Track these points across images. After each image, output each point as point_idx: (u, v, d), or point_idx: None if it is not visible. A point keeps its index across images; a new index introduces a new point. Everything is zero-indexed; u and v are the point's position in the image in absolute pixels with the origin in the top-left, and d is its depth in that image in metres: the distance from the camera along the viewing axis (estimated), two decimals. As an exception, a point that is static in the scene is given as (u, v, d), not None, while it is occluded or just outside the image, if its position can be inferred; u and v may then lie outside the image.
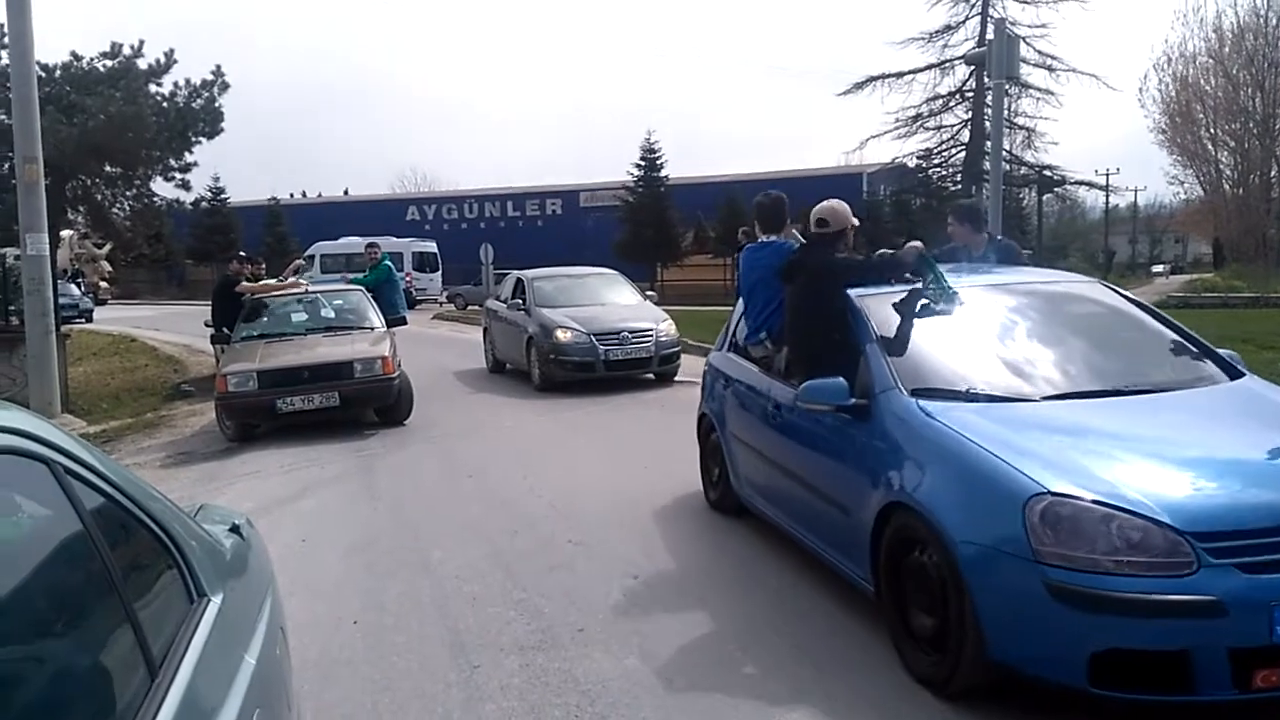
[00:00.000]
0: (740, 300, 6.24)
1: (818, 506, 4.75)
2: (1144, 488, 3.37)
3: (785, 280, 5.27)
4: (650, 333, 12.52)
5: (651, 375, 12.78)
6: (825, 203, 5.33)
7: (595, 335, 12.25)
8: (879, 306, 4.79)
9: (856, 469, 4.34)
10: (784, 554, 5.47)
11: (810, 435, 4.87)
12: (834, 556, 4.64)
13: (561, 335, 12.34)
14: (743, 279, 5.86)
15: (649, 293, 14.78)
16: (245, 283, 11.99)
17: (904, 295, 4.85)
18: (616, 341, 12.29)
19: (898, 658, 3.99)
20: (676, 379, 12.91)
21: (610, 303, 13.71)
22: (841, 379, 4.42)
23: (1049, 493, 3.36)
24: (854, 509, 4.27)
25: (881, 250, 5.42)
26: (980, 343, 4.75)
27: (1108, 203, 64.49)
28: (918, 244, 5.05)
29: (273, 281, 12.22)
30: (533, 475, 7.80)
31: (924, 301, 4.78)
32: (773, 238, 5.76)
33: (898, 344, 4.58)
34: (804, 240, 5.45)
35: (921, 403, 4.13)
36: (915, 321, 4.68)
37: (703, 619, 4.67)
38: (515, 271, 15.29)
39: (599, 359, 12.21)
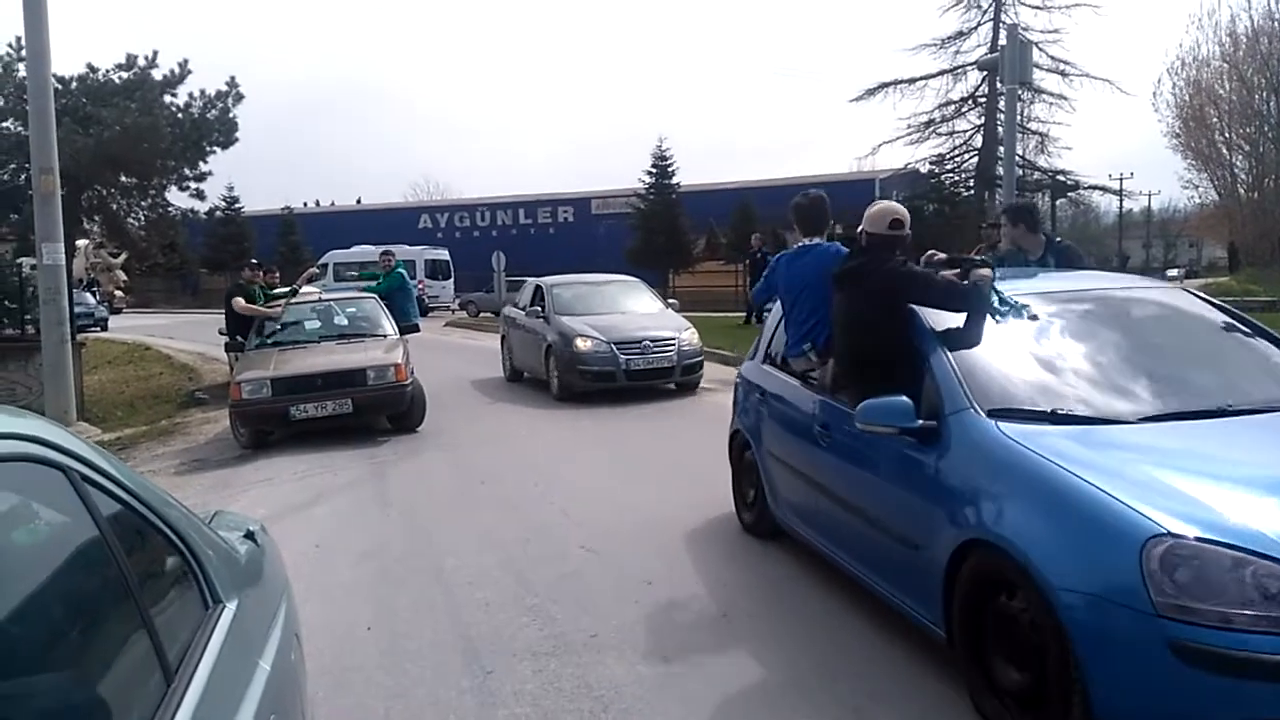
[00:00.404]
0: (779, 309, 5.74)
1: (874, 538, 4.30)
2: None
3: (841, 287, 4.68)
4: (672, 342, 12.14)
5: (673, 385, 12.41)
6: (889, 203, 4.84)
7: (616, 344, 11.92)
8: (941, 313, 4.31)
9: (925, 499, 3.85)
10: (822, 576, 5.46)
11: (866, 459, 4.40)
12: (893, 593, 4.21)
13: (581, 344, 12.00)
14: (782, 286, 5.35)
15: (670, 300, 14.32)
16: (242, 301, 11.89)
17: None
18: (638, 351, 11.95)
19: (968, 705, 3.60)
20: (699, 389, 12.53)
21: (631, 311, 13.34)
22: (905, 398, 3.93)
23: (1168, 534, 2.90)
24: (922, 544, 3.81)
25: (931, 253, 4.90)
26: (1060, 356, 4.20)
27: (1122, 207, 64.27)
28: (985, 273, 4.40)
29: (260, 308, 11.92)
30: (548, 486, 7.76)
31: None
32: (815, 241, 5.26)
33: (968, 357, 4.09)
34: (855, 243, 4.85)
35: (1002, 425, 3.66)
36: (985, 332, 4.19)
37: (721, 628, 4.67)
38: (534, 279, 14.99)
39: (620, 368, 11.85)
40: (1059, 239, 6.17)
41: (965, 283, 4.37)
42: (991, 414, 3.74)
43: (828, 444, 4.75)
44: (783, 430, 5.49)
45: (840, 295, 4.69)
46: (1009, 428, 3.64)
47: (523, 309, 14.14)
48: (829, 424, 4.75)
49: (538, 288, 14.11)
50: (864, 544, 4.47)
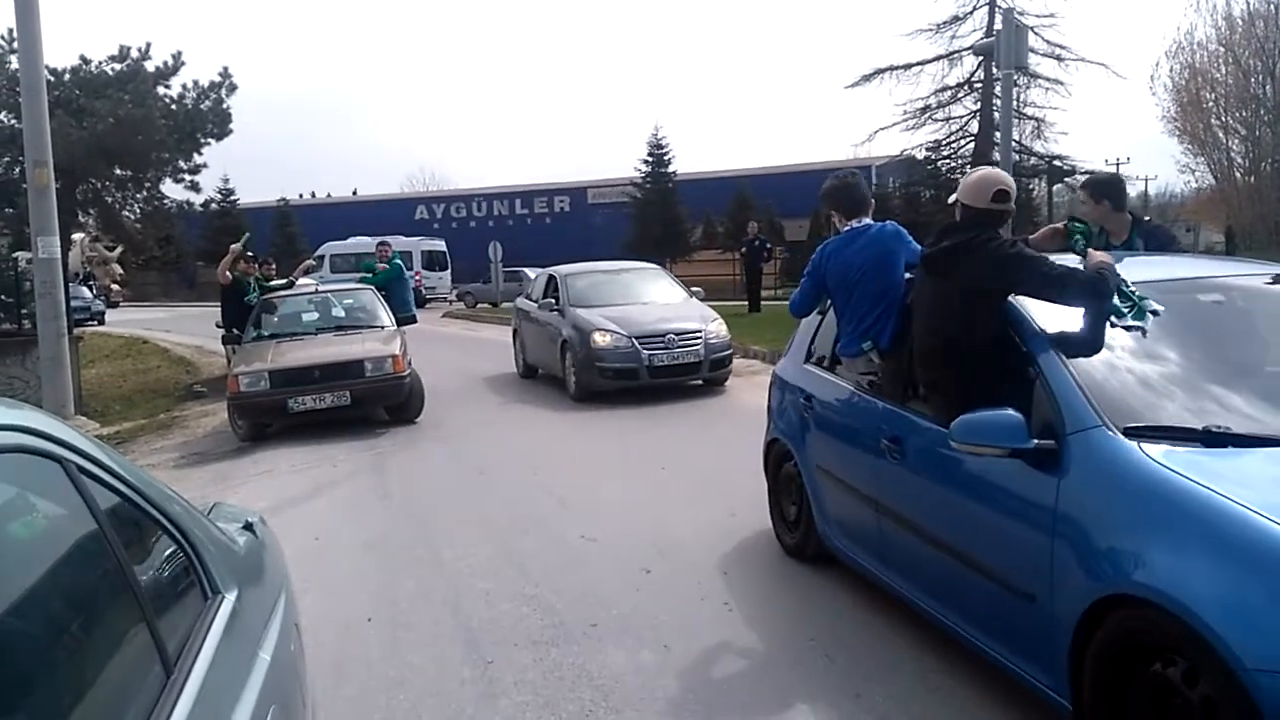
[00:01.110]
0: (825, 302, 4.99)
1: (966, 580, 3.54)
2: None
3: (932, 272, 3.88)
4: (699, 334, 11.11)
5: (699, 382, 11.44)
6: (992, 171, 4.08)
7: (637, 338, 10.93)
8: (1046, 306, 3.55)
9: (1041, 538, 3.10)
10: (825, 566, 5.46)
11: (956, 482, 3.62)
12: (994, 648, 3.46)
13: (600, 338, 11.03)
14: (831, 278, 4.58)
15: (694, 289, 13.37)
16: (227, 273, 12.10)
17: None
18: (662, 345, 10.94)
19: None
20: (726, 384, 11.61)
21: (652, 301, 12.27)
22: (1013, 412, 3.19)
23: None
24: (1039, 594, 3.11)
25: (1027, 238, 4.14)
26: (1200, 359, 3.48)
27: (1118, 192, 64.03)
28: (1105, 258, 3.66)
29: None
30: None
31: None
32: (864, 222, 4.61)
33: (1091, 363, 3.33)
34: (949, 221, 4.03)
35: (1146, 447, 2.94)
36: (1104, 329, 3.43)
37: (722, 615, 4.68)
38: (547, 268, 13.99)
39: (642, 365, 10.87)
40: (1146, 218, 5.39)
41: (1086, 271, 3.58)
42: (1129, 433, 3.02)
43: (899, 460, 4.00)
44: (836, 441, 4.80)
45: (927, 282, 3.90)
46: (1155, 450, 2.91)
47: (536, 301, 13.17)
48: (901, 437, 4.02)
49: (551, 277, 13.14)
50: (952, 586, 3.70)
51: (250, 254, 13.11)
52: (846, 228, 4.63)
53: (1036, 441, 3.15)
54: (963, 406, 3.34)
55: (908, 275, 4.40)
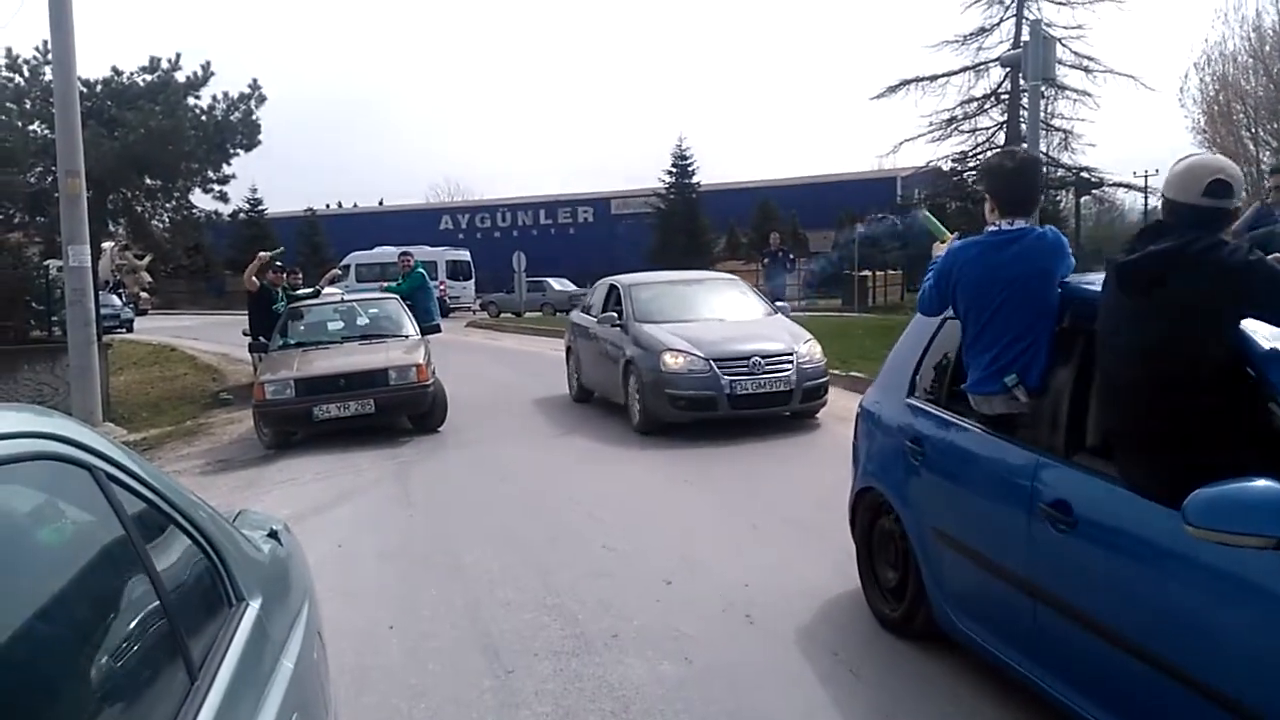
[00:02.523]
0: (923, 322, 4.40)
1: (1184, 705, 2.67)
2: None
3: (1134, 289, 2.94)
4: (789, 357, 9.42)
5: (787, 412, 9.64)
6: (1207, 157, 3.21)
7: (716, 360, 9.27)
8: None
9: None
10: (843, 579, 5.41)
11: (1176, 575, 2.74)
12: None
13: (671, 360, 9.37)
14: (965, 290, 3.68)
15: (779, 303, 11.69)
16: (254, 278, 12.16)
17: None
18: (745, 369, 9.24)
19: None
20: (816, 417, 9.89)
21: (731, 317, 10.60)
22: (1273, 485, 2.38)
23: None
24: None
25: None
26: None
27: (1146, 204, 63.56)
28: None
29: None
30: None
31: None
32: (1020, 224, 3.61)
33: None
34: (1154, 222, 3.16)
35: None
36: None
37: (744, 629, 4.65)
38: (607, 278, 12.34)
39: (721, 393, 9.18)
40: None
41: None
42: None
43: (1068, 533, 3.06)
44: (962, 500, 3.84)
45: (1123, 301, 2.99)
46: None
47: (595, 315, 11.54)
48: (1069, 502, 3.07)
49: (613, 288, 11.55)
50: (1157, 710, 2.81)
51: (279, 264, 13.22)
52: (995, 226, 3.65)
53: None
54: (1177, 466, 2.63)
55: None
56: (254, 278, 12.18)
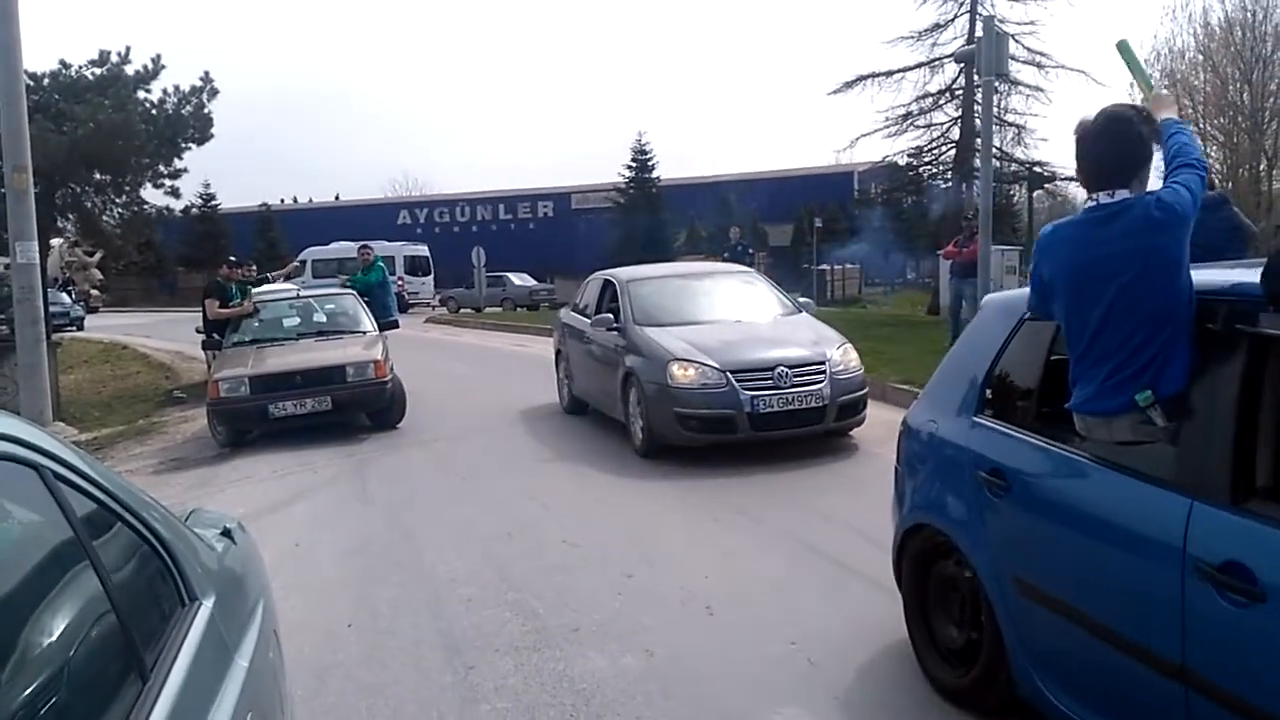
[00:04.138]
0: (989, 317, 3.83)
1: None
2: None
3: None
4: (820, 367, 7.90)
5: (819, 433, 8.01)
6: None
7: (734, 372, 7.74)
8: None
9: None
10: (805, 570, 5.43)
11: None
12: None
13: (680, 372, 7.87)
14: (1065, 283, 2.96)
15: (802, 300, 10.12)
16: (216, 305, 11.81)
17: None
18: (768, 383, 7.70)
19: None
20: (850, 435, 8.37)
21: (749, 318, 9.04)
22: None
23: None
24: None
25: None
26: None
27: (1098, 198, 64.89)
28: None
29: (235, 310, 11.80)
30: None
31: None
32: (1122, 195, 2.82)
33: None
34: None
35: None
36: None
37: (704, 620, 4.68)
38: (602, 272, 10.74)
39: (741, 411, 7.62)
40: None
41: None
42: None
43: (1248, 609, 2.30)
44: (1067, 547, 3.02)
45: None
46: None
47: (587, 316, 10.02)
48: (1251, 568, 2.31)
49: (608, 284, 9.98)
50: None
51: (233, 259, 13.05)
52: (1092, 201, 2.92)
53: None
54: None
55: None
56: (219, 309, 11.83)
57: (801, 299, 10.10)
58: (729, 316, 9.00)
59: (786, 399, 7.69)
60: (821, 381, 7.81)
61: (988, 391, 3.59)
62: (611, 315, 9.20)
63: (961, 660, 3.60)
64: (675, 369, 7.90)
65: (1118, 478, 2.83)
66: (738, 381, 7.69)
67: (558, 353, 11.21)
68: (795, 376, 7.76)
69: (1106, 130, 2.93)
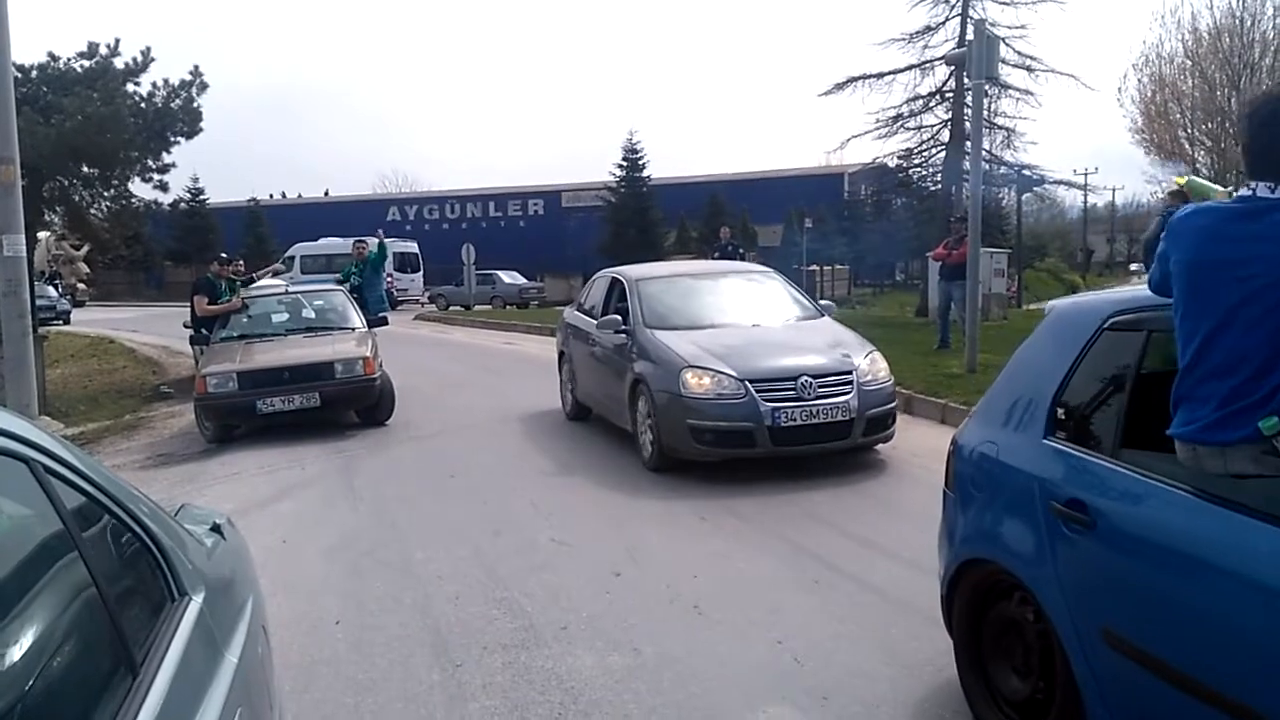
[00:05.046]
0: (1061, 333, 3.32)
1: None
2: None
3: None
4: (847, 377, 7.36)
5: (845, 448, 7.43)
6: None
7: (754, 381, 7.21)
8: None
9: None
10: (791, 566, 5.45)
11: None
12: None
13: (694, 380, 7.33)
14: (1191, 275, 2.53)
15: (824, 302, 9.54)
16: (205, 302, 11.73)
17: None
18: (791, 393, 7.16)
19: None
20: (880, 449, 7.84)
21: (767, 321, 8.49)
22: None
23: None
24: None
25: None
26: None
27: (1086, 202, 65.18)
28: None
29: (224, 306, 11.68)
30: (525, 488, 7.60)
31: None
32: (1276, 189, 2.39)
33: None
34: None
35: None
36: None
37: (693, 619, 4.68)
38: (609, 269, 10.24)
39: (761, 424, 7.08)
40: None
41: None
42: None
43: None
44: (1175, 601, 2.53)
45: None
46: None
47: (592, 315, 9.56)
48: None
49: (615, 282, 9.41)
50: None
51: (223, 255, 12.99)
52: (1247, 190, 2.47)
53: None
54: None
55: None
56: (208, 305, 11.76)
57: (823, 301, 9.39)
58: (746, 320, 8.46)
59: (810, 411, 7.13)
60: (849, 393, 7.26)
61: (1059, 410, 3.15)
62: (619, 316, 8.66)
63: (1025, 715, 3.20)
64: (689, 377, 7.36)
65: (1243, 521, 2.36)
66: (757, 392, 7.15)
67: (561, 354, 10.66)
68: (819, 387, 7.23)
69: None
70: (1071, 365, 3.13)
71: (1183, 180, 3.43)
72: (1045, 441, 3.13)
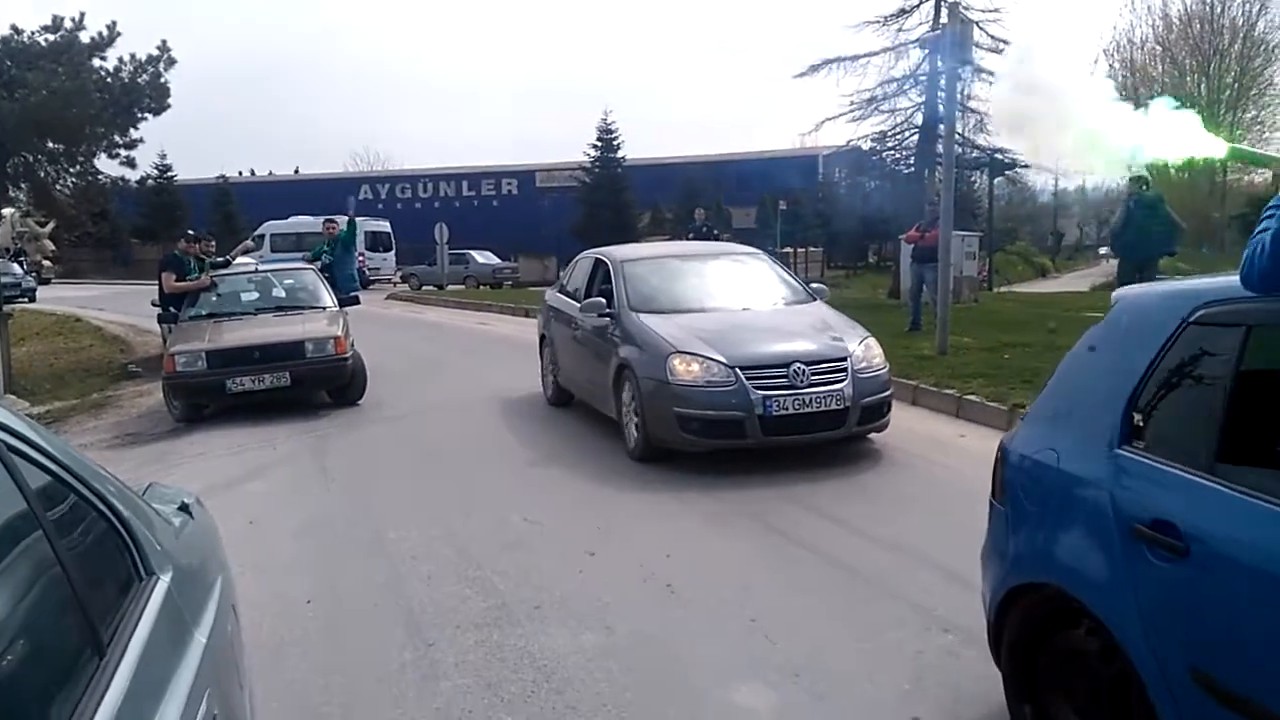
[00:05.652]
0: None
1: None
2: None
3: None
4: (842, 365, 7.05)
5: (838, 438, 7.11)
6: None
7: (744, 368, 6.89)
8: None
9: None
10: (766, 546, 5.48)
11: None
12: None
13: (682, 367, 7.02)
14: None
15: (815, 285, 9.16)
16: (173, 279, 11.55)
17: None
18: (783, 380, 6.84)
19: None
20: (873, 438, 7.42)
21: (758, 306, 8.19)
22: None
23: None
24: None
25: None
26: None
27: (1056, 186, 65.66)
28: None
29: (192, 283, 11.50)
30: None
31: None
32: None
33: None
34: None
35: None
36: None
37: (665, 597, 4.70)
38: (593, 250, 9.85)
39: (752, 413, 6.76)
40: None
41: None
42: None
43: None
44: None
45: None
46: None
47: (575, 297, 9.19)
48: None
49: (600, 263, 9.02)
50: None
51: (191, 232, 12.82)
52: None
53: None
54: None
55: None
56: (175, 283, 11.59)
57: (815, 285, 9.16)
58: (735, 304, 8.14)
59: (803, 400, 6.81)
60: (843, 381, 6.93)
61: (1135, 416, 2.74)
62: (604, 299, 8.24)
63: None
64: (677, 363, 7.03)
65: None
66: (748, 379, 6.82)
67: (542, 338, 10.22)
68: (813, 374, 6.90)
69: None
70: (1150, 364, 2.71)
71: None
72: (1120, 451, 2.72)
